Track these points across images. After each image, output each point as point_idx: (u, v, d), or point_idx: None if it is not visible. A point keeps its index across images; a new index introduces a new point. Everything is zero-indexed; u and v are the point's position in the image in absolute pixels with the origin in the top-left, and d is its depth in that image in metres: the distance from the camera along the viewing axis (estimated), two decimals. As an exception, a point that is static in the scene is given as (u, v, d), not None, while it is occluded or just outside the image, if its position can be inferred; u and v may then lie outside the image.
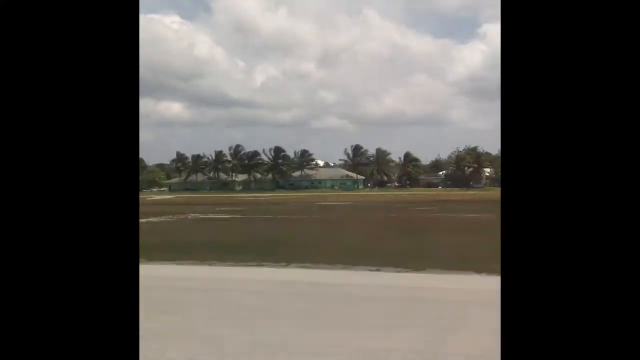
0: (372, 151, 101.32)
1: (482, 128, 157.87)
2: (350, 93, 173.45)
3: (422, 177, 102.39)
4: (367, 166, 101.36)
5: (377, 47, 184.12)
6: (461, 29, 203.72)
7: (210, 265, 11.05)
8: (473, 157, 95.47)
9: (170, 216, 30.42)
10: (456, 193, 61.26)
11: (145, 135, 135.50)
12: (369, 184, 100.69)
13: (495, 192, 52.99)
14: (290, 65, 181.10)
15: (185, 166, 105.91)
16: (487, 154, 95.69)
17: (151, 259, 11.39)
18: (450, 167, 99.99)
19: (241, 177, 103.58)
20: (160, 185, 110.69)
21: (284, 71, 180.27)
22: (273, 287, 8.44)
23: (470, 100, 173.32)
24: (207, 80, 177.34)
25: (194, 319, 6.21)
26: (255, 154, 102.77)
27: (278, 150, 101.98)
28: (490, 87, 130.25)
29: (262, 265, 10.77)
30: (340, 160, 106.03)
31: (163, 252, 12.79)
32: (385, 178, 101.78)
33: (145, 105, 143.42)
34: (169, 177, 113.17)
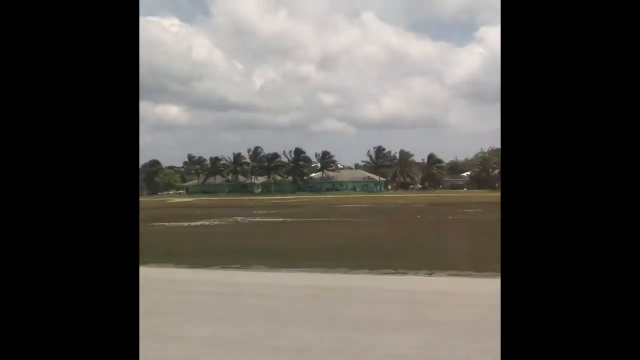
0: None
1: (480, 131, 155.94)
2: (350, 96, 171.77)
3: (446, 179, 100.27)
4: (390, 168, 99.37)
5: (376, 49, 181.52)
6: (459, 32, 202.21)
7: (354, 274, 9.68)
8: (499, 158, 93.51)
9: (219, 219, 28.72)
10: (487, 195, 59.11)
11: (145, 138, 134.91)
12: (389, 187, 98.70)
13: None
14: (290, 68, 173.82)
15: (203, 168, 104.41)
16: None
17: (274, 266, 10.80)
18: (475, 169, 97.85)
19: (260, 179, 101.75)
20: (177, 188, 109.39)
21: (283, 74, 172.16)
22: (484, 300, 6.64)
23: (468, 103, 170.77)
24: (205, 83, 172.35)
25: None
26: (275, 155, 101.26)
27: (298, 152, 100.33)
28: (489, 90, 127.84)
29: (400, 273, 9.58)
30: (362, 162, 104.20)
31: (276, 259, 11.83)
32: (407, 180, 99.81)
33: (144, 108, 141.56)
34: (184, 180, 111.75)
